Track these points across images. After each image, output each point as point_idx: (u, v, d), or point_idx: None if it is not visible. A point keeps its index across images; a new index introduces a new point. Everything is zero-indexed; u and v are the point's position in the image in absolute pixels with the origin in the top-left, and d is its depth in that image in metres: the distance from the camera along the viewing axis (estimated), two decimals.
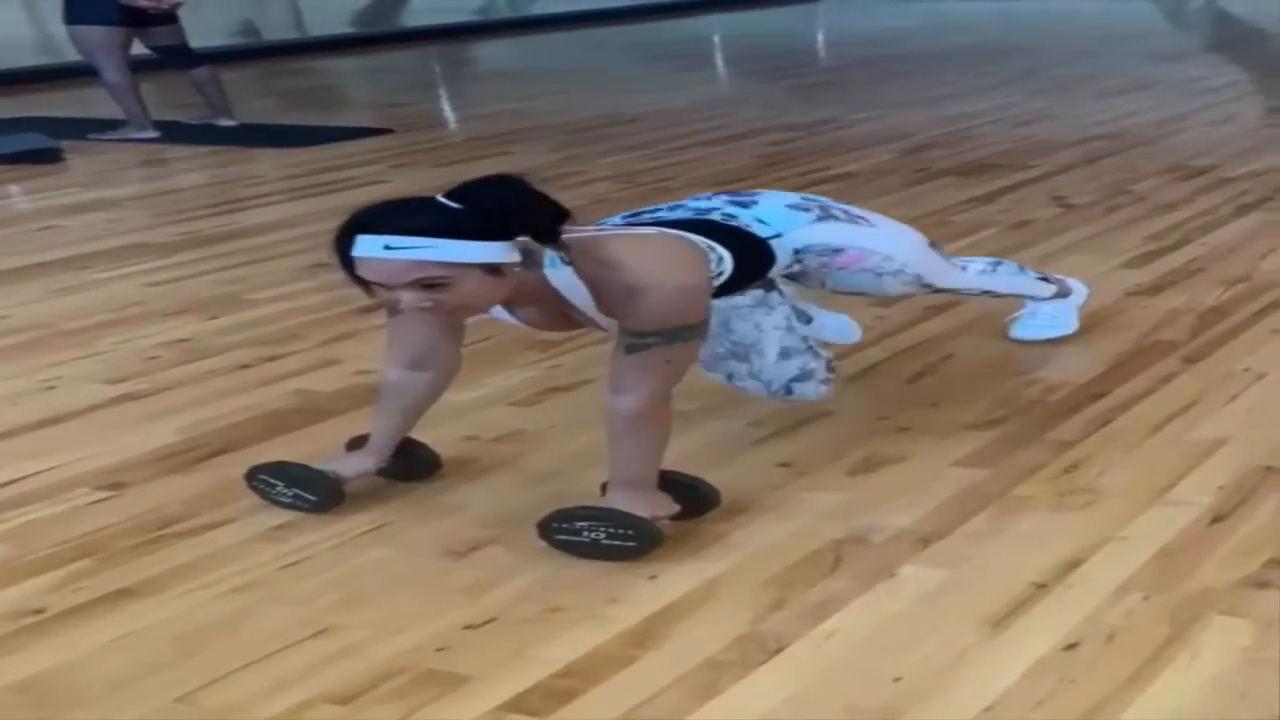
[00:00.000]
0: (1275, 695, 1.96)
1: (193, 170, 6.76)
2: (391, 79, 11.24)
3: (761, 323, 2.71)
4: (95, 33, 7.20)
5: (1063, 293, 3.50)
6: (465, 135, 7.77)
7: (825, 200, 2.88)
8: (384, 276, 2.23)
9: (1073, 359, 3.40)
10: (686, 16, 15.18)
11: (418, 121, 8.05)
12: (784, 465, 2.82)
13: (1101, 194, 5.27)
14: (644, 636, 2.17)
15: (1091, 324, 3.60)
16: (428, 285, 2.23)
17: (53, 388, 3.45)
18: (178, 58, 7.69)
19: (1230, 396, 3.11)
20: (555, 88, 9.44)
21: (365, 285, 2.29)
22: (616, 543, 2.40)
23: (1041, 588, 2.27)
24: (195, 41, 7.84)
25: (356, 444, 2.75)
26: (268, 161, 6.71)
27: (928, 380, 3.31)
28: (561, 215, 2.32)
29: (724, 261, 2.53)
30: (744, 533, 2.52)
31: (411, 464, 2.77)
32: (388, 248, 2.20)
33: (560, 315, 2.48)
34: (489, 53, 13.08)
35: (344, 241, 2.25)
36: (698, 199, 2.79)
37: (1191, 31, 13.55)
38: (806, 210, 2.78)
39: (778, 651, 2.11)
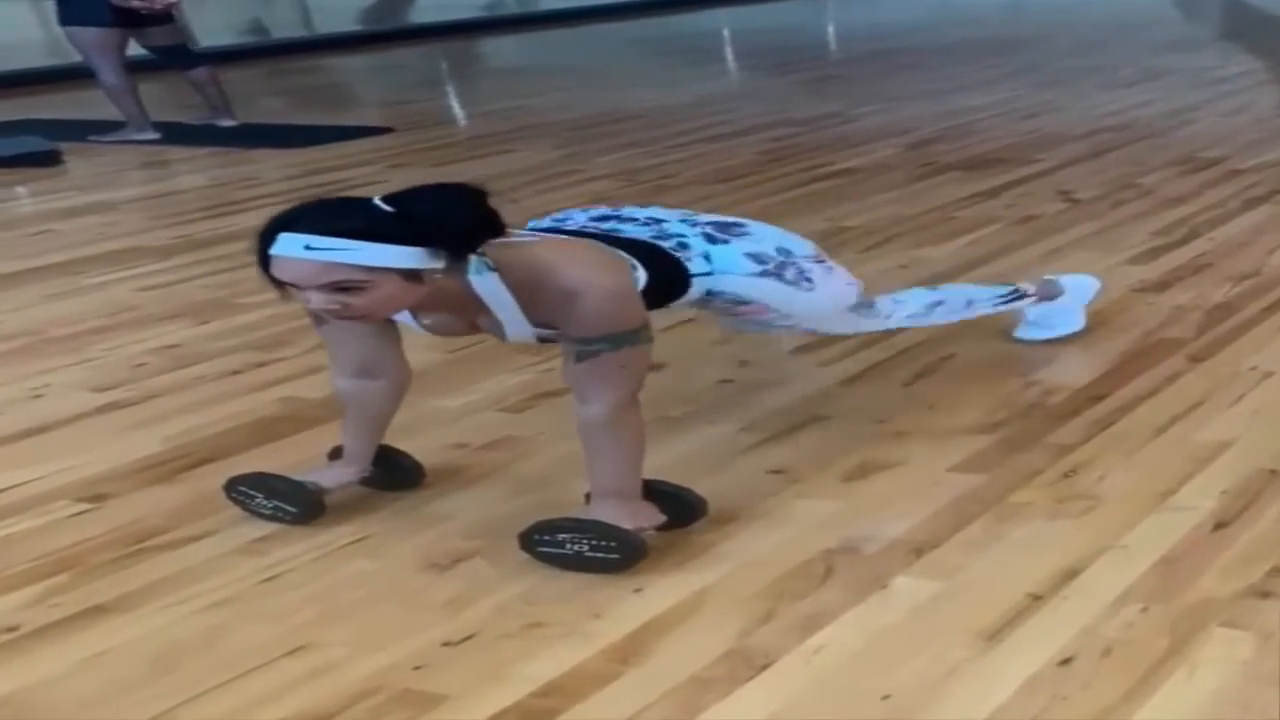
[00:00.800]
0: (1277, 710, 1.90)
1: (192, 172, 6.72)
2: (397, 77, 11.21)
3: None
4: (89, 34, 7.16)
5: (1049, 295, 3.41)
6: (467, 134, 7.72)
7: (802, 254, 2.74)
8: (298, 277, 2.18)
9: (1076, 359, 3.33)
10: (693, 11, 15.12)
11: (421, 120, 8.01)
12: (776, 472, 2.76)
13: (1108, 188, 5.19)
14: (627, 652, 2.11)
15: (1096, 322, 3.53)
16: (341, 288, 2.18)
17: (40, 396, 3.41)
18: (175, 58, 7.65)
19: (1237, 396, 3.04)
20: (559, 84, 9.39)
21: (280, 285, 2.23)
22: (600, 555, 2.34)
23: (1037, 599, 2.21)
24: (204, 40, 7.80)
25: (339, 453, 2.70)
26: (267, 162, 6.67)
27: (926, 382, 3.24)
28: (496, 229, 2.27)
29: (638, 281, 2.47)
30: (733, 543, 2.46)
31: (395, 473, 2.72)
32: (308, 248, 2.15)
33: (468, 323, 2.44)
34: (496, 49, 13.04)
35: (266, 239, 2.20)
36: (685, 218, 2.71)
37: (1204, 20, 13.43)
38: (762, 264, 2.66)
39: (765, 667, 2.06)
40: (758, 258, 2.67)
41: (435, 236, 2.20)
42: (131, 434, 3.11)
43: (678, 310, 2.71)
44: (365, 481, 2.68)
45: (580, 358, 2.32)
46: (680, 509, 2.48)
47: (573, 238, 2.54)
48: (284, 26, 15.12)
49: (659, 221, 2.66)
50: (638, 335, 2.34)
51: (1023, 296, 3.36)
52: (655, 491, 2.45)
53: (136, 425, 3.17)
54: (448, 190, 2.26)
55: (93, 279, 4.51)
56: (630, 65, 10.84)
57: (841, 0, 16.21)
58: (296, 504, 2.57)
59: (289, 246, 2.16)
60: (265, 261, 2.21)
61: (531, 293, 2.33)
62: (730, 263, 2.64)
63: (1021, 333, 3.45)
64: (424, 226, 2.19)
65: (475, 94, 10.03)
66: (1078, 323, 3.46)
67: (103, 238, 5.13)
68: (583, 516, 2.39)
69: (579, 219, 2.68)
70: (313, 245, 2.14)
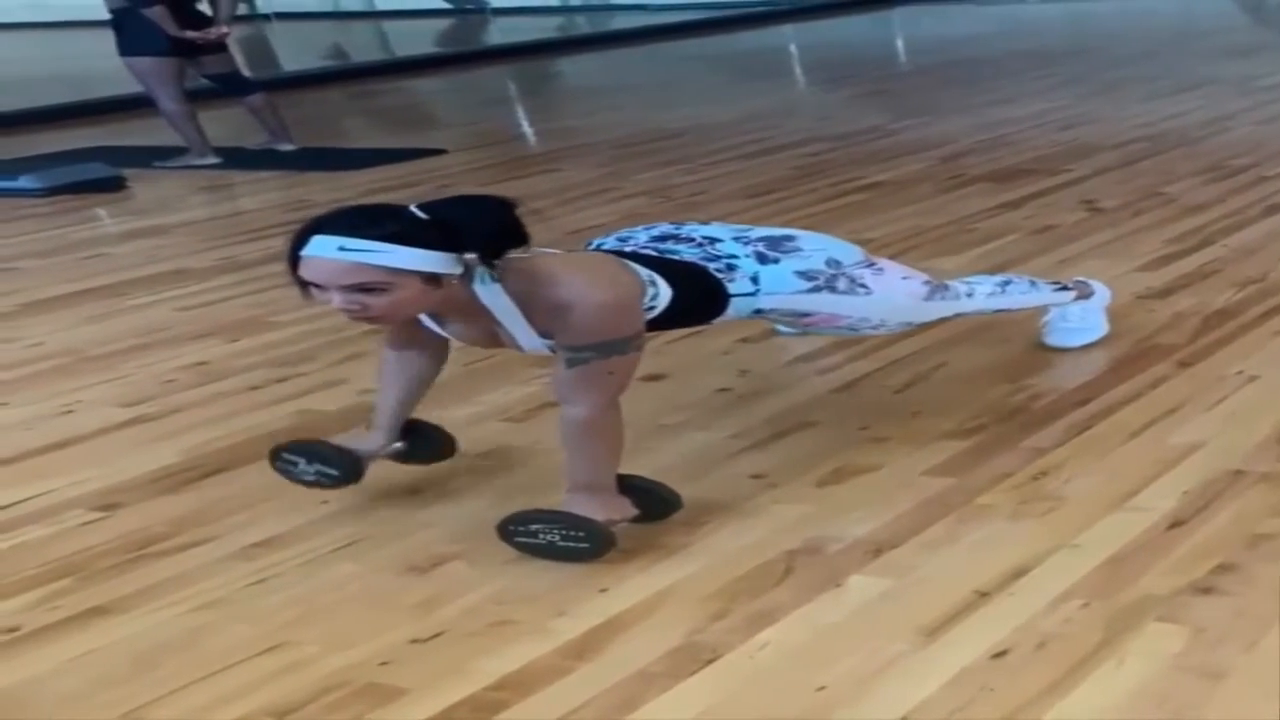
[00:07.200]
0: (1194, 701, 1.97)
1: (247, 195, 6.90)
2: (464, 98, 11.36)
3: None
4: (148, 64, 7.38)
5: (1084, 295, 3.49)
6: (518, 153, 7.84)
7: (853, 261, 2.87)
8: (326, 277, 2.31)
9: (1066, 364, 3.39)
10: (762, 27, 15.20)
11: (477, 140, 8.13)
12: (756, 477, 2.85)
13: (1131, 197, 5.22)
14: (583, 649, 2.22)
15: None
16: (364, 289, 2.31)
17: (71, 412, 3.56)
18: (231, 85, 7.86)
19: (1216, 400, 3.09)
20: (614, 103, 9.50)
21: (304, 285, 2.36)
22: (571, 544, 2.46)
23: (984, 596, 2.29)
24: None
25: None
26: (320, 185, 6.83)
27: (916, 389, 3.32)
28: (520, 239, 2.40)
29: (658, 297, 2.58)
30: (702, 544, 2.56)
31: (430, 446, 2.87)
32: (342, 249, 2.29)
33: (488, 333, 2.55)
34: (563, 69, 13.17)
35: (299, 241, 2.33)
36: (739, 236, 2.82)
37: (1268, 26, 13.28)
38: (812, 280, 2.78)
39: (709, 662, 2.15)
40: (807, 275, 2.79)
41: (464, 243, 2.34)
42: (150, 447, 3.25)
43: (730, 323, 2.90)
44: (400, 457, 2.82)
45: (570, 364, 2.44)
46: (653, 503, 2.59)
47: (586, 252, 2.64)
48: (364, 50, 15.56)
49: (714, 241, 2.77)
50: (627, 344, 2.46)
51: (1065, 289, 3.46)
52: (630, 486, 2.57)
53: (157, 438, 3.31)
54: (479, 200, 2.42)
55: (135, 300, 4.67)
56: (687, 82, 10.92)
57: (910, 13, 16.17)
58: (338, 466, 2.71)
59: (322, 247, 2.30)
60: (295, 262, 2.34)
61: (529, 303, 2.45)
62: (780, 283, 2.76)
63: (1052, 340, 3.49)
64: (455, 233, 2.33)
65: (533, 114, 10.17)
66: (1102, 327, 3.50)
67: (151, 260, 5.30)
68: (555, 508, 2.51)
69: (640, 238, 2.80)
70: (347, 246, 2.29)
